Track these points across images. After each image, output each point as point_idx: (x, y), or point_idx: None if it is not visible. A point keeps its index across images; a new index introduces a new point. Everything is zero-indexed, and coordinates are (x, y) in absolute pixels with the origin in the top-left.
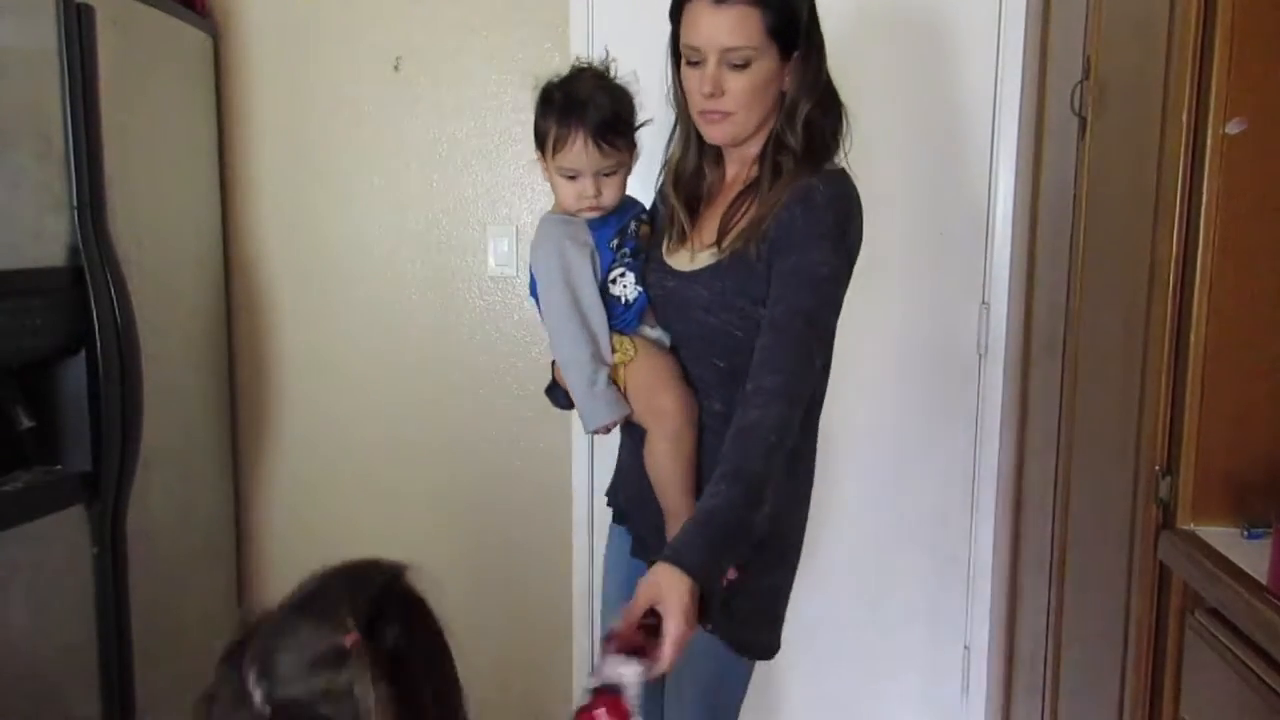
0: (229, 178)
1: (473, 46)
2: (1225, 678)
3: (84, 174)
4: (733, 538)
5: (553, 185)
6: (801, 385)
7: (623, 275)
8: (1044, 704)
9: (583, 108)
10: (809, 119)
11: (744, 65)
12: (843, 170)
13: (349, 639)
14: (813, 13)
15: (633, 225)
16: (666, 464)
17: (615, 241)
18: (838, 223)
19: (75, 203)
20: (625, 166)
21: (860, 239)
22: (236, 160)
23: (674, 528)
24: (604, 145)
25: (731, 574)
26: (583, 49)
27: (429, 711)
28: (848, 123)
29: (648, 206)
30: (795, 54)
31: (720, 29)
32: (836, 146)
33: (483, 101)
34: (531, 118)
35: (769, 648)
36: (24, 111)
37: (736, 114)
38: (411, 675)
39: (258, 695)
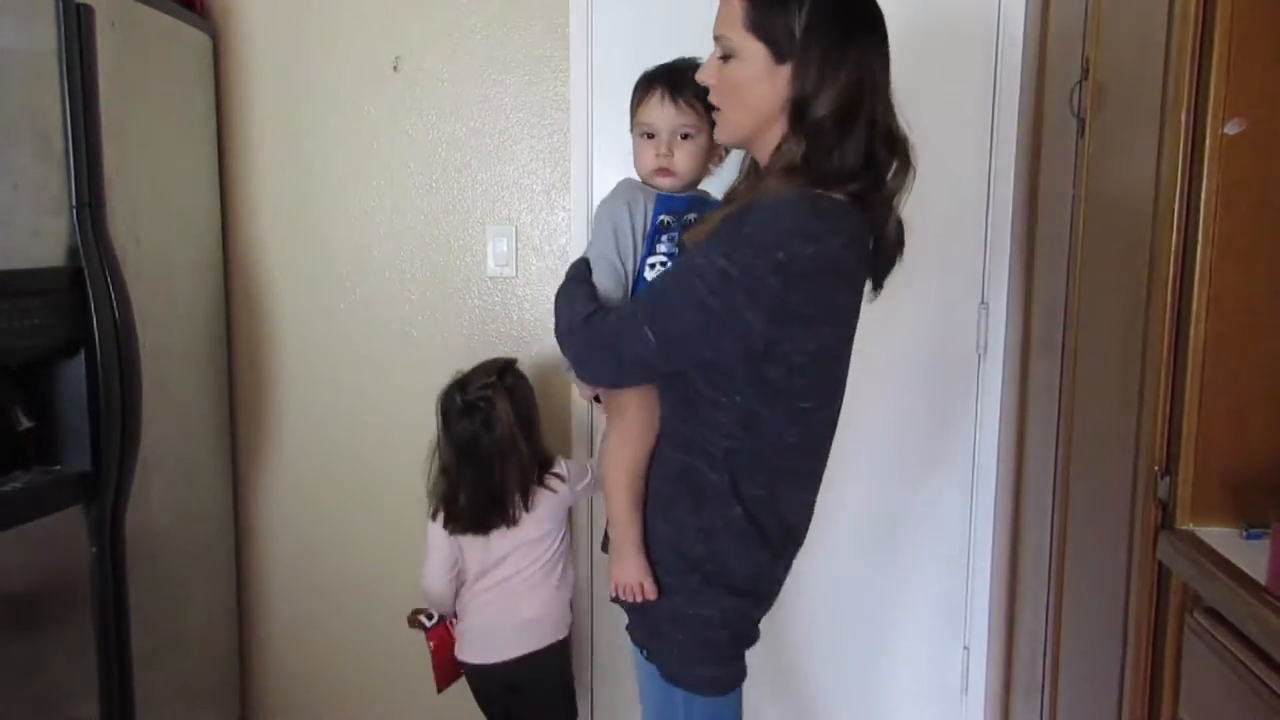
0: (228, 178)
1: (473, 46)
2: (1224, 677)
3: (83, 174)
4: (572, 285)
5: (634, 151)
6: (609, 332)
7: (662, 264)
8: (1044, 704)
9: (667, 71)
10: (810, 135)
11: (728, 57)
12: (820, 194)
13: (491, 379)
14: (816, 29)
15: (691, 216)
16: (613, 462)
17: (667, 219)
18: (760, 234)
19: (74, 202)
20: (702, 134)
21: (816, 266)
22: (236, 160)
23: (614, 534)
24: (680, 102)
25: (651, 593)
26: (582, 49)
27: (523, 416)
28: (873, 158)
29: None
30: (789, 63)
31: (717, 17)
32: (832, 168)
33: (483, 101)
34: (532, 118)
35: (711, 681)
36: (24, 111)
37: (722, 111)
38: (517, 398)
39: (458, 398)
